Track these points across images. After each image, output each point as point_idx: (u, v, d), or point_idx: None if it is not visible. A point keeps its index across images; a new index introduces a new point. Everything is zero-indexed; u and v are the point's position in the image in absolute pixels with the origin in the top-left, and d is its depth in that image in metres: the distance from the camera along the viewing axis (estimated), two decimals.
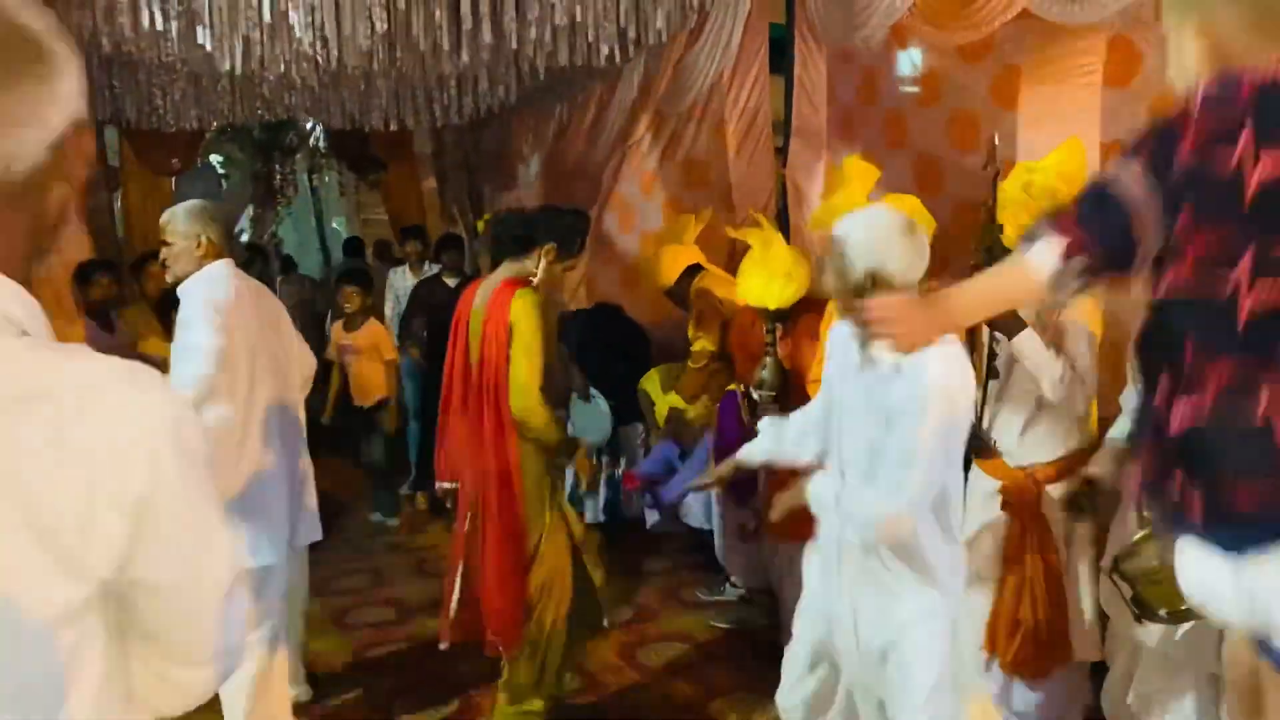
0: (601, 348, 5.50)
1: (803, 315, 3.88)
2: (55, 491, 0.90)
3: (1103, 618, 3.01)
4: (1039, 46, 3.53)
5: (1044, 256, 1.58)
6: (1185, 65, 1.58)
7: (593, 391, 5.20)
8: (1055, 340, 2.97)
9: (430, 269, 7.11)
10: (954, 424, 2.38)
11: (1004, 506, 3.13)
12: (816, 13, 4.37)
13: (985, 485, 3.22)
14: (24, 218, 0.99)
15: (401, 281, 7.30)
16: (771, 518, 2.78)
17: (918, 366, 2.30)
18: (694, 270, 4.63)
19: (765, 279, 3.85)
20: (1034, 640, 3.05)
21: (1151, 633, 2.59)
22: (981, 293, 1.79)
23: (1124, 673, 2.93)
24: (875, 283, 2.40)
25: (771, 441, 2.87)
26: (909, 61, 4.16)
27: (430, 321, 6.22)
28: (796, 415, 2.86)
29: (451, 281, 6.43)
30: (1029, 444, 3.13)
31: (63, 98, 0.98)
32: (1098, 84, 3.40)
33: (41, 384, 0.92)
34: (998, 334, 3.07)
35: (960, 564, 2.54)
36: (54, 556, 0.91)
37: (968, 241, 3.85)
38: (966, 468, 3.28)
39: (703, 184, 5.17)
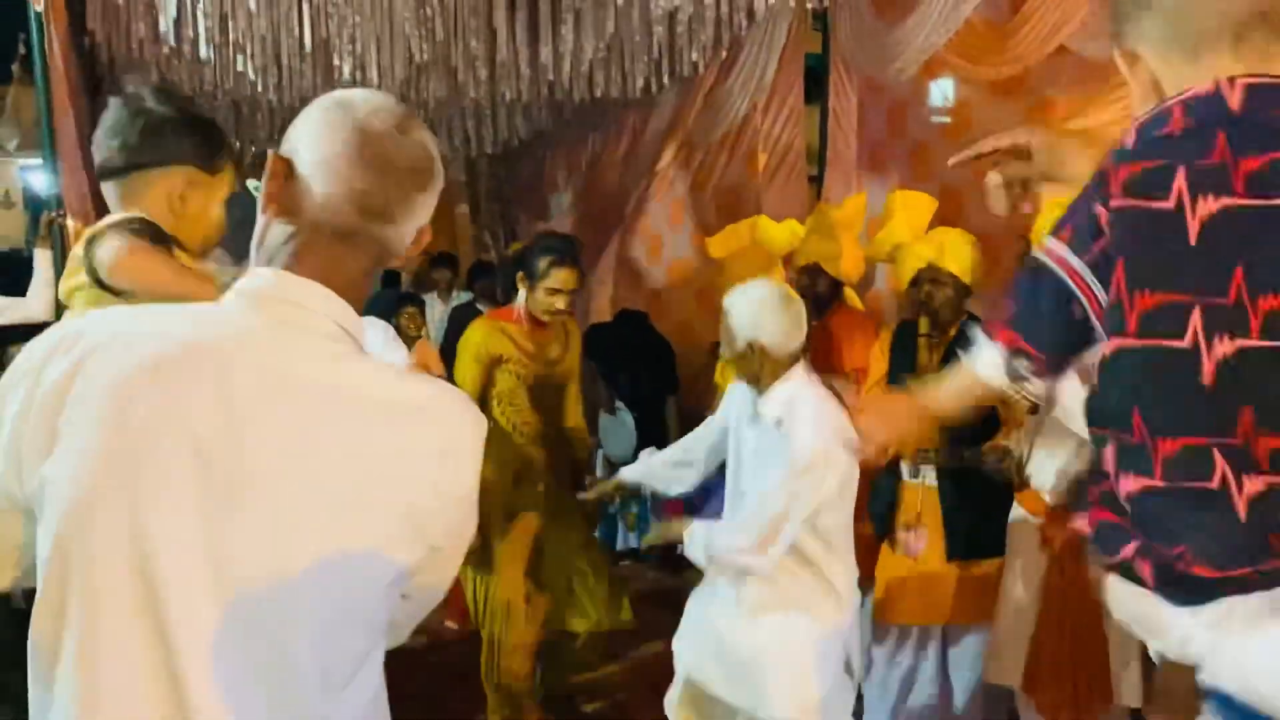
0: (628, 358, 5.51)
1: (836, 316, 3.96)
2: (422, 480, 1.17)
3: (1146, 661, 2.94)
4: (1075, 81, 3.54)
5: (988, 364, 1.53)
6: (1137, 99, 1.40)
7: (618, 405, 5.21)
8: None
9: (460, 297, 7.16)
10: (819, 480, 2.58)
11: (1043, 544, 3.09)
12: (850, 45, 4.40)
13: (1025, 523, 3.19)
14: (374, 268, 1.25)
15: (430, 309, 7.35)
16: (642, 545, 3.07)
17: (794, 424, 2.62)
18: None
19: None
20: (1073, 682, 3.00)
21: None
22: (949, 394, 1.75)
23: None
24: (753, 350, 2.68)
25: (643, 468, 3.23)
26: (940, 94, 4.18)
27: None
28: (675, 446, 3.20)
29: (484, 308, 6.47)
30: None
31: (435, 197, 1.26)
32: (1128, 116, 3.38)
33: (414, 400, 1.19)
34: None
35: (842, 596, 2.74)
36: (415, 528, 1.17)
37: (985, 275, 3.87)
38: (1008, 501, 3.29)
39: (733, 214, 5.19)
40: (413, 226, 1.23)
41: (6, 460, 1.12)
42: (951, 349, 3.34)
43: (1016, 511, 3.22)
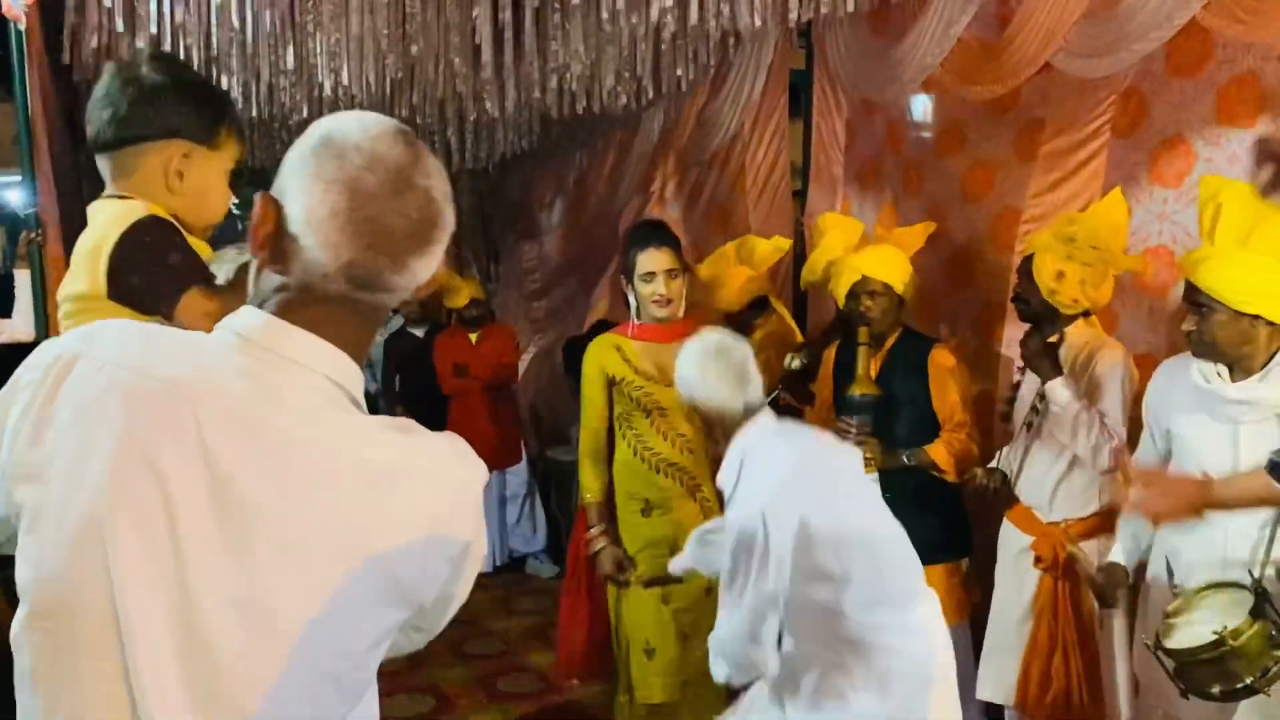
0: None
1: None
2: (408, 552, 1.10)
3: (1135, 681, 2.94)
4: (1060, 99, 3.56)
5: None
6: None
7: None
8: (1090, 390, 2.95)
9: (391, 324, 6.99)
10: (759, 553, 2.27)
11: (1036, 562, 3.09)
12: (842, 65, 4.41)
13: (1015, 540, 3.18)
14: (373, 324, 1.20)
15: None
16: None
17: (739, 494, 2.39)
18: (763, 304, 4.28)
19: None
20: (1066, 698, 2.99)
21: (1187, 709, 2.48)
22: (1237, 492, 2.16)
23: None
24: (697, 412, 2.53)
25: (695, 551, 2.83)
26: (933, 112, 4.19)
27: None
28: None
29: (416, 332, 6.42)
30: (1061, 499, 3.10)
31: (440, 251, 1.17)
32: (1107, 133, 3.45)
33: (401, 462, 1.11)
34: (1035, 386, 3.06)
35: (886, 681, 2.37)
36: (399, 595, 1.11)
37: (964, 289, 3.90)
38: (955, 500, 3.35)
39: (722, 230, 5.19)
40: (412, 285, 1.16)
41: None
42: (891, 359, 3.37)
43: (1006, 528, 3.22)
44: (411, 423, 1.16)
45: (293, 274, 1.12)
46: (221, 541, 1.03)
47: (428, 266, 1.16)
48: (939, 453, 3.31)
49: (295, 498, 1.05)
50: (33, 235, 3.97)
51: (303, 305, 1.12)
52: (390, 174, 1.10)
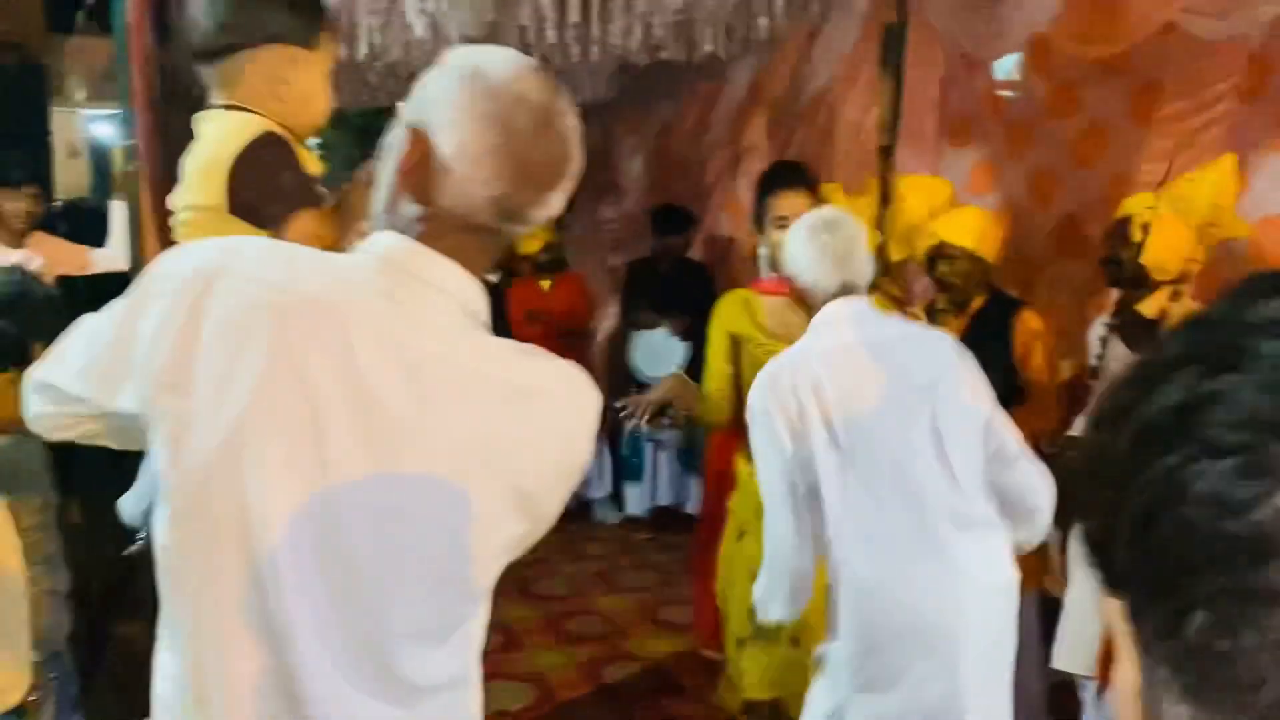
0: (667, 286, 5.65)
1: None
2: (535, 464, 1.16)
3: None
4: (1182, 61, 3.45)
5: None
6: None
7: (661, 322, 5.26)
8: None
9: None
10: (758, 449, 2.29)
11: None
12: (941, 19, 4.30)
13: None
14: (498, 252, 1.26)
15: None
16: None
17: None
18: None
19: None
20: None
21: None
22: None
23: None
24: (794, 289, 2.41)
25: None
26: (1041, 72, 4.07)
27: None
28: None
29: (492, 278, 6.43)
30: None
31: (571, 188, 1.22)
32: (1232, 99, 3.34)
33: (534, 383, 1.18)
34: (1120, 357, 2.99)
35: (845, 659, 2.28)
36: (524, 508, 1.16)
37: (1073, 258, 3.80)
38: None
39: None
40: (545, 218, 1.22)
41: (115, 374, 1.13)
42: (976, 323, 3.31)
43: None
44: (536, 347, 1.22)
45: (438, 203, 1.15)
46: (366, 453, 1.08)
47: (561, 200, 1.20)
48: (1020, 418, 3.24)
49: (436, 412, 1.10)
50: (130, 167, 4.04)
51: (443, 234, 1.16)
52: (537, 111, 1.14)
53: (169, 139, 3.70)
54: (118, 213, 4.14)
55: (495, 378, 1.15)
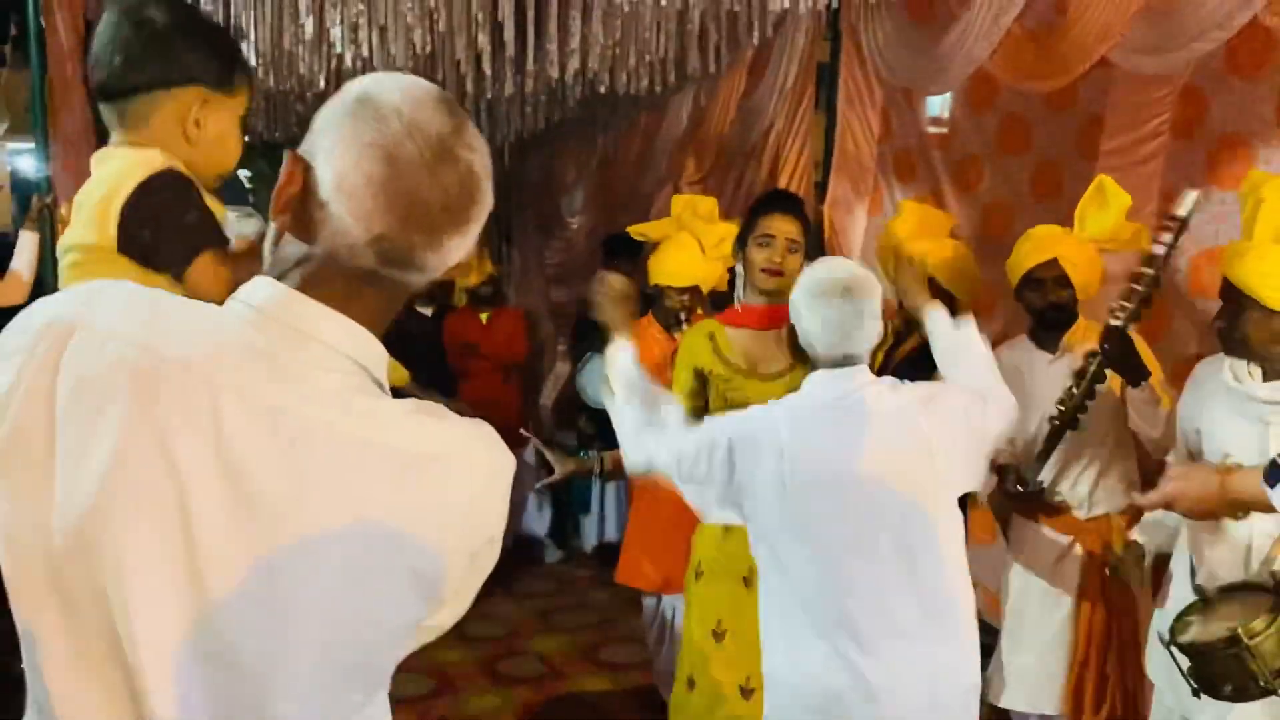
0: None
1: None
2: (433, 541, 1.04)
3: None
4: (1119, 95, 3.49)
5: None
6: None
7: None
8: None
9: None
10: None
11: (1091, 557, 3.04)
12: (879, 55, 4.33)
13: (1050, 545, 3.10)
14: (397, 304, 1.11)
15: None
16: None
17: None
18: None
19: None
20: (1123, 695, 2.97)
21: (1203, 708, 2.41)
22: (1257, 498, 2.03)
23: None
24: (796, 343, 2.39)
25: None
26: (987, 107, 4.11)
27: None
28: None
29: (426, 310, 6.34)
30: (1103, 494, 3.05)
31: (476, 231, 1.09)
32: (1165, 133, 3.37)
33: (428, 450, 1.04)
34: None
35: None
36: (421, 589, 1.05)
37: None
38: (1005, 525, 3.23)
39: None
40: (444, 265, 1.07)
41: None
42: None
43: (1037, 534, 3.13)
44: (438, 407, 1.09)
45: (317, 244, 1.03)
46: (239, 535, 0.96)
47: (463, 246, 1.07)
48: None
49: (317, 488, 0.99)
50: (46, 200, 3.91)
51: (326, 279, 1.03)
52: (431, 142, 1.01)
53: None
54: (25, 243, 4.00)
55: (386, 446, 1.02)
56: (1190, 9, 2.93)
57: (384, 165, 1.00)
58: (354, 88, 1.05)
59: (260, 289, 1.04)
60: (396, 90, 1.03)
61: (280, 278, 1.05)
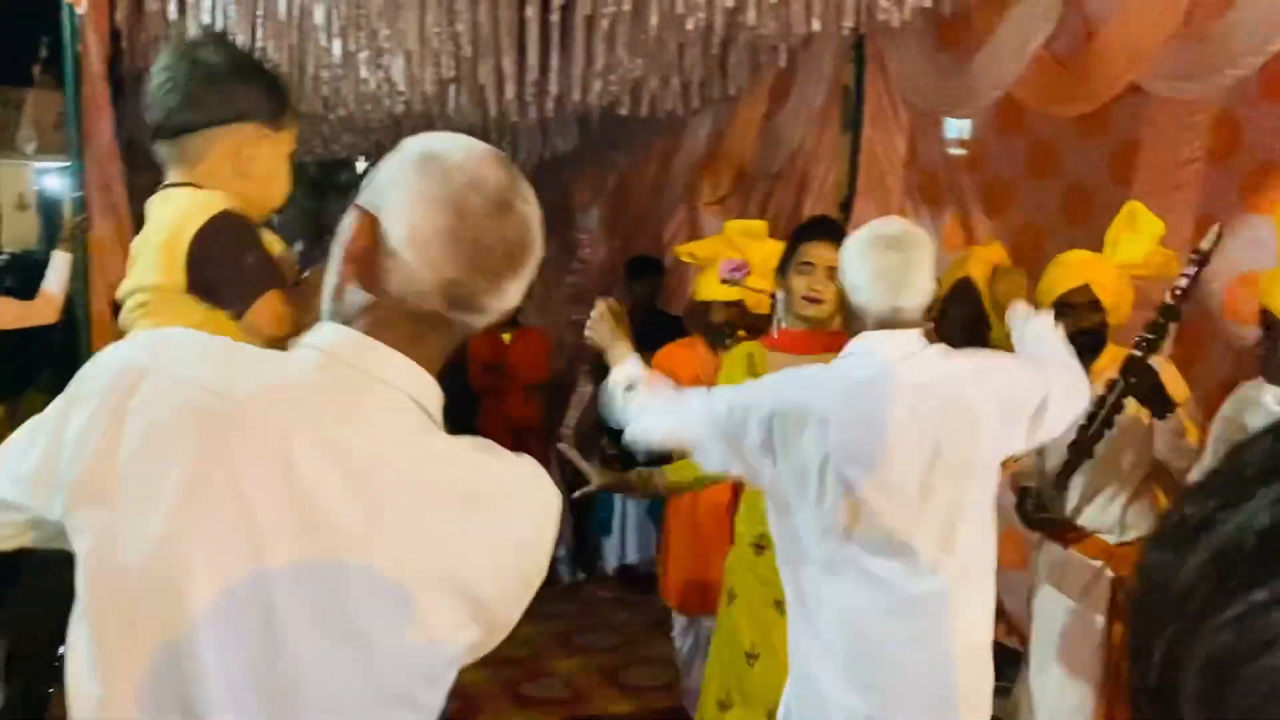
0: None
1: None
2: (494, 577, 1.11)
3: None
4: (1153, 121, 3.49)
5: None
6: None
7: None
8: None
9: None
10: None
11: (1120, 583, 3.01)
12: (905, 79, 4.34)
13: (1080, 571, 3.09)
14: (452, 345, 1.18)
15: None
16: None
17: None
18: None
19: None
20: None
21: None
22: None
23: None
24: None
25: None
26: (1017, 131, 4.12)
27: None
28: None
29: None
30: (1135, 518, 3.03)
31: (530, 275, 1.17)
32: (1201, 159, 3.36)
33: (489, 486, 1.12)
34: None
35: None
36: (479, 616, 1.10)
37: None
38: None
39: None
40: (502, 308, 1.15)
41: (48, 482, 1.04)
42: None
43: (1068, 561, 3.11)
44: (491, 443, 1.16)
45: (387, 291, 1.10)
46: (309, 568, 1.01)
47: (518, 290, 1.15)
48: None
49: (385, 523, 1.04)
50: (81, 219, 3.93)
51: (392, 323, 1.11)
52: (492, 196, 1.10)
53: (135, 192, 3.64)
54: (58, 263, 4.03)
55: (448, 483, 1.10)
56: (1224, 35, 2.93)
57: (452, 217, 1.08)
58: (415, 147, 1.13)
59: (329, 333, 1.11)
60: (456, 148, 1.12)
61: (346, 323, 1.11)
